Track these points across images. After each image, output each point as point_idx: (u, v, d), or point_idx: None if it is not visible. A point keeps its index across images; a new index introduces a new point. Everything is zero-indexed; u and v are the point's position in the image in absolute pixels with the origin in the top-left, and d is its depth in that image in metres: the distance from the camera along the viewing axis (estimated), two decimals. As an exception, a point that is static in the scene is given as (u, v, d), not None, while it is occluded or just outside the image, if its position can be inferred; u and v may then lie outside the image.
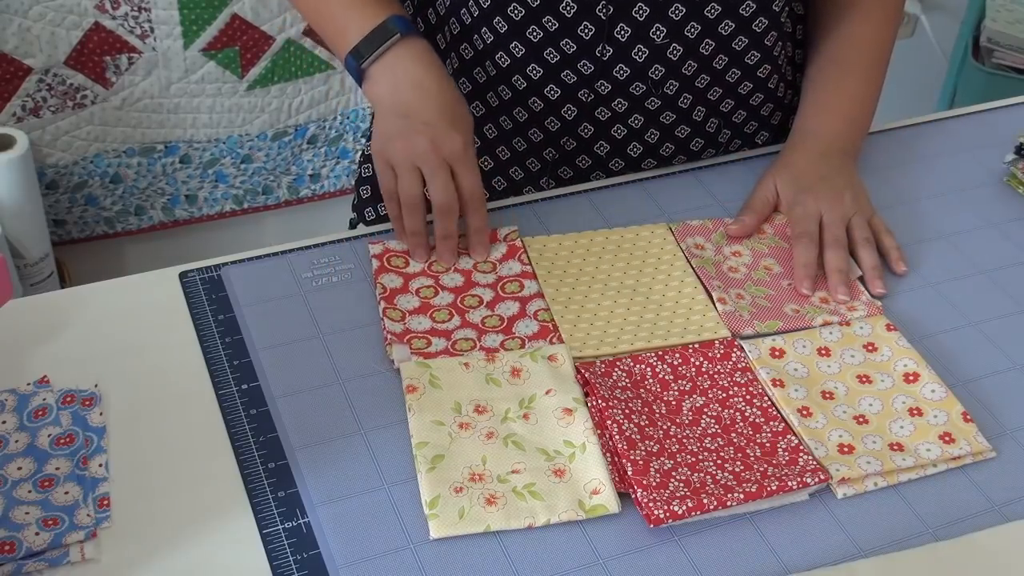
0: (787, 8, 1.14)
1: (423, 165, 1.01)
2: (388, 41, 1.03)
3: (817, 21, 1.21)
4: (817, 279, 1.05)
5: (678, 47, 1.10)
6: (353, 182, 2.25)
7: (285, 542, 0.82)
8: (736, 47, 1.12)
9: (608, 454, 0.88)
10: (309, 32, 2.05)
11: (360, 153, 1.46)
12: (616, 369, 0.94)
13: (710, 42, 1.11)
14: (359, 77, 1.06)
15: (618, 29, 1.08)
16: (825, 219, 1.09)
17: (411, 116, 1.01)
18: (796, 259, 1.06)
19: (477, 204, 1.03)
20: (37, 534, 0.80)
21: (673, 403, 0.93)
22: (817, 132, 1.16)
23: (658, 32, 1.09)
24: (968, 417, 0.92)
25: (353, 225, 1.31)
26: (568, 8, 1.07)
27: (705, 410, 0.92)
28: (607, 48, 1.09)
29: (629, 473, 0.85)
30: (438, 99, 1.02)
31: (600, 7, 1.07)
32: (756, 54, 1.14)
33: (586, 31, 1.08)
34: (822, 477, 0.86)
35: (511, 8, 1.08)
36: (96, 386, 0.92)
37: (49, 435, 0.87)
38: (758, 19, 1.11)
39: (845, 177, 1.13)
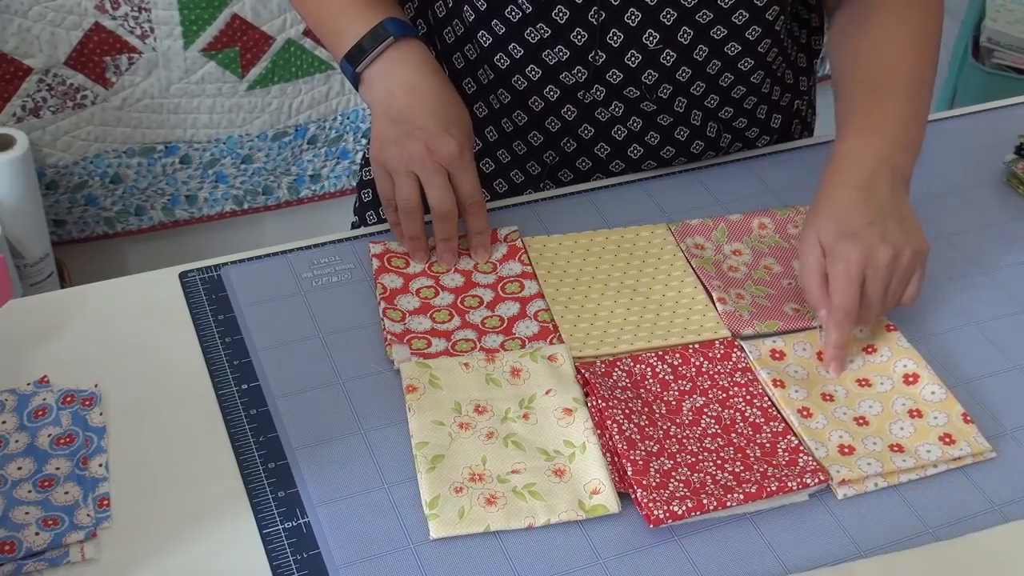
0: (782, 17, 1.12)
1: (419, 171, 1.00)
2: (381, 45, 1.03)
3: (847, 47, 1.11)
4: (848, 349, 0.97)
5: (671, 53, 1.10)
6: (353, 183, 2.25)
7: (285, 542, 0.82)
8: (729, 52, 1.11)
9: (608, 454, 0.88)
10: (309, 32, 2.05)
11: (361, 155, 1.46)
12: (616, 369, 0.94)
13: (703, 48, 1.10)
14: (355, 81, 1.05)
15: (610, 35, 1.08)
16: (868, 288, 0.96)
17: (405, 121, 1.01)
18: (827, 337, 0.96)
19: (476, 207, 1.03)
20: (37, 534, 0.80)
21: (673, 403, 0.93)
22: (860, 155, 1.01)
23: (651, 38, 1.08)
24: (968, 418, 0.92)
25: (354, 228, 1.31)
26: (560, 14, 1.07)
27: (705, 410, 0.92)
28: (600, 54, 1.09)
29: (629, 473, 0.85)
30: (432, 102, 1.02)
31: (592, 13, 1.07)
32: (750, 61, 1.13)
33: (579, 37, 1.08)
34: (822, 478, 0.86)
35: (508, 10, 1.08)
36: (96, 386, 0.92)
37: (49, 435, 0.87)
38: (751, 27, 1.10)
39: (897, 221, 0.97)
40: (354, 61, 1.04)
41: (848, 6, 1.12)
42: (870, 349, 0.98)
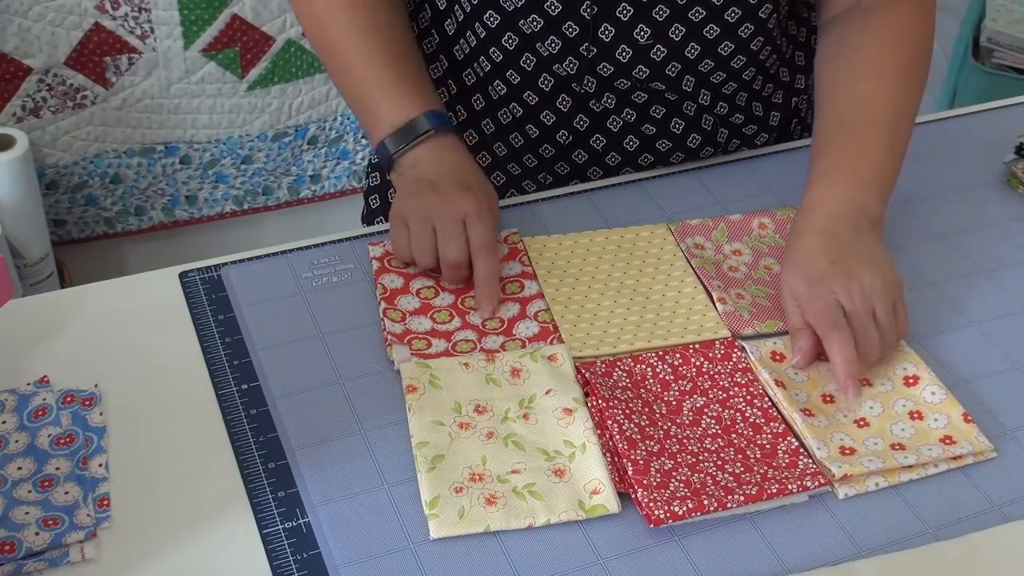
0: (776, 15, 1.13)
1: (436, 220, 1.00)
2: (419, 138, 1.04)
3: (829, 73, 1.09)
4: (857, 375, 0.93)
5: (662, 48, 1.10)
6: (354, 183, 2.25)
7: (285, 542, 0.82)
8: (722, 52, 1.12)
9: (608, 454, 0.88)
10: (309, 32, 2.05)
11: (368, 161, 1.45)
12: (616, 369, 0.94)
13: (695, 45, 1.10)
14: (389, 166, 1.06)
15: (602, 29, 1.09)
16: (854, 322, 0.94)
17: (432, 185, 1.02)
18: (832, 356, 0.92)
19: (485, 253, 1.00)
20: (37, 534, 0.80)
21: (673, 403, 0.93)
22: (823, 202, 1.01)
23: (642, 33, 1.09)
24: (969, 418, 0.92)
25: None
26: (553, 7, 1.07)
27: (705, 410, 0.92)
28: (591, 48, 1.10)
29: (629, 473, 0.85)
30: (459, 173, 1.03)
31: (584, 7, 1.07)
32: (742, 58, 1.13)
33: (570, 30, 1.09)
34: (822, 481, 0.86)
35: (503, 0, 1.08)
36: (96, 386, 0.92)
37: (49, 435, 0.87)
38: (744, 25, 1.10)
39: (861, 255, 0.97)
40: (389, 148, 1.05)
41: (837, 23, 1.11)
42: (870, 349, 0.98)
